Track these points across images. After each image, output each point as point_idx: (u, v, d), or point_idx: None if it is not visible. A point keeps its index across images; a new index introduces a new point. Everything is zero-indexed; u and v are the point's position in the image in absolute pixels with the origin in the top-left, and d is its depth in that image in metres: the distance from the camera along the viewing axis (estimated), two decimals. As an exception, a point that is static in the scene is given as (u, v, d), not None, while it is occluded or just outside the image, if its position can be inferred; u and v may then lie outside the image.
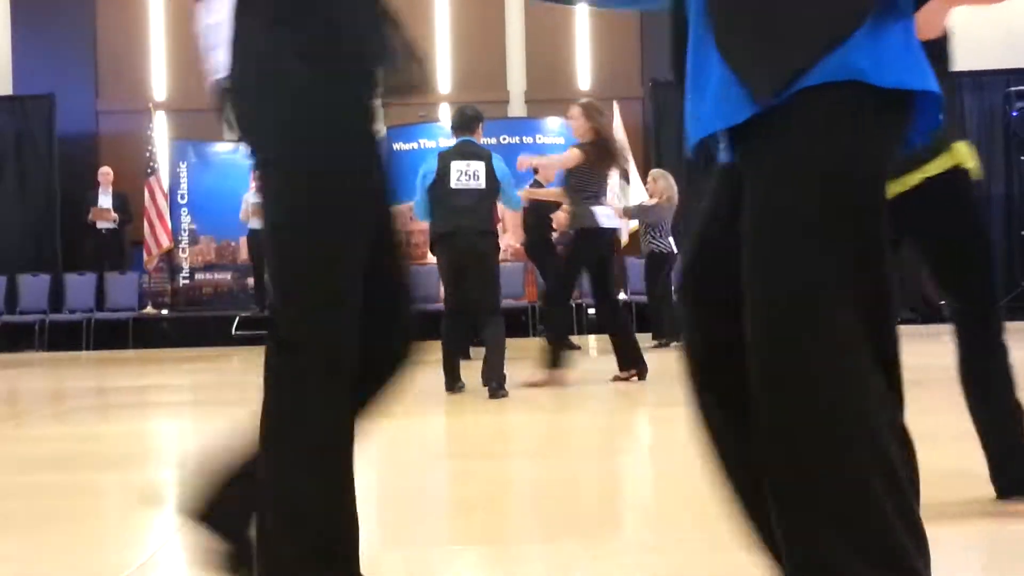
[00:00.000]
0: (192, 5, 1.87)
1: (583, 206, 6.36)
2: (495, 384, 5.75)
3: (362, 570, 1.75)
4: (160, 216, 12.92)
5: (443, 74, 14.07)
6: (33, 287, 12.89)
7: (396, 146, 12.80)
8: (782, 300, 1.36)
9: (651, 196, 10.05)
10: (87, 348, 11.99)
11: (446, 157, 6.13)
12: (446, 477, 3.75)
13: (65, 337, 11.91)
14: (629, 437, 4.83)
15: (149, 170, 13.03)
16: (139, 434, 5.06)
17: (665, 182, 9.68)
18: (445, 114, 14.14)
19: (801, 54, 1.36)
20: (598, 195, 6.46)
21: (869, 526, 1.33)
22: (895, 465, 1.37)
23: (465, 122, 6.29)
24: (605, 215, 6.39)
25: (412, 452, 4.20)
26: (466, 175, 6.05)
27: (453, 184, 6.01)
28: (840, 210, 1.37)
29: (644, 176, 11.08)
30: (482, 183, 6.05)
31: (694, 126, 1.48)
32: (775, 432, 1.38)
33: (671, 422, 4.68)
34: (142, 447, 4.69)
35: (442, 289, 6.44)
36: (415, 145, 12.50)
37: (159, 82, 13.99)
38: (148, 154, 13.11)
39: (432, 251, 6.24)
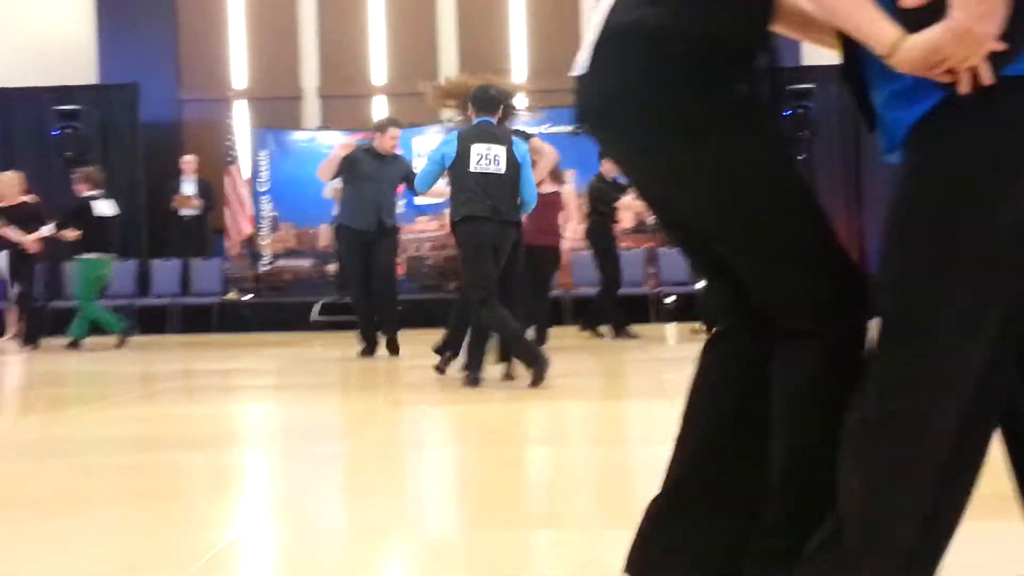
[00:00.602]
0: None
1: None
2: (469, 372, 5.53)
3: (448, 552, 1.75)
4: (241, 203, 13.14)
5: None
6: (121, 273, 13.20)
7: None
8: None
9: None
10: (173, 332, 12.24)
11: (466, 139, 5.81)
12: (519, 462, 3.77)
13: (152, 321, 12.16)
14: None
15: (230, 158, 13.25)
16: (224, 416, 5.16)
17: None
18: (521, 102, 14.15)
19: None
20: None
21: None
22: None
23: (487, 102, 5.96)
24: None
25: (476, 437, 4.23)
26: (486, 159, 5.75)
27: (472, 167, 5.71)
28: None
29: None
30: (502, 168, 5.74)
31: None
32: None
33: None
34: (227, 428, 4.79)
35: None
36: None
37: (239, 71, 14.21)
38: (229, 142, 13.35)
39: (453, 232, 5.94)
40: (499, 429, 4.40)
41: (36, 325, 10.50)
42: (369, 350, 7.76)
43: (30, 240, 10.08)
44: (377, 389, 5.91)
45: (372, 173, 7.82)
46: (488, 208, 5.61)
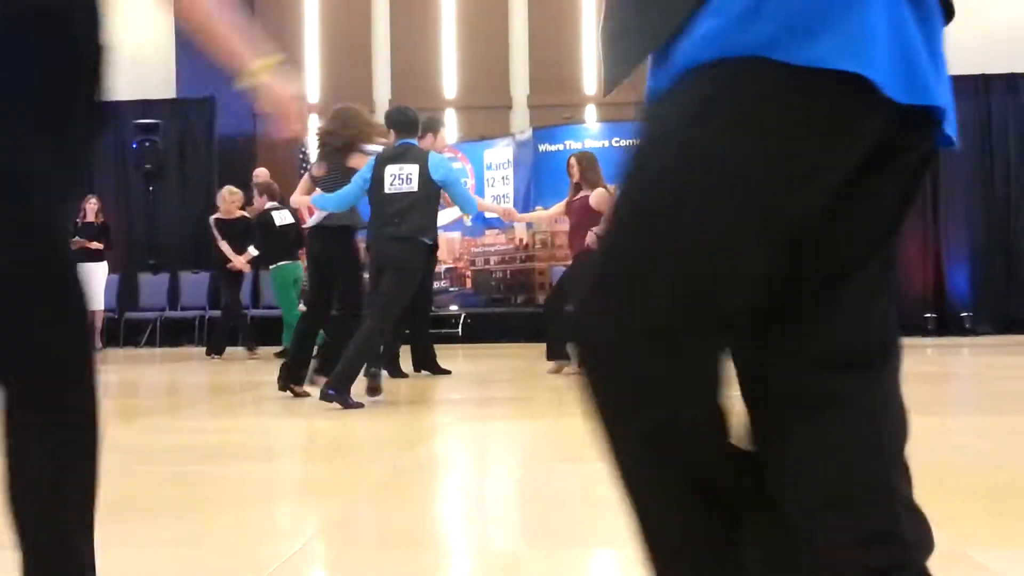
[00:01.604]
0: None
1: None
2: (329, 388, 5.57)
3: (510, 566, 1.72)
4: (312, 215, 13.27)
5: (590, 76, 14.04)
6: (193, 284, 13.43)
7: (542, 147, 12.85)
8: None
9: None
10: (242, 344, 12.40)
11: (383, 161, 6.00)
12: (572, 479, 3.72)
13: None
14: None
15: (302, 170, 13.40)
16: (289, 428, 5.18)
17: None
18: (591, 115, 14.13)
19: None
20: None
21: None
22: None
23: (406, 124, 6.12)
24: None
25: (523, 453, 4.19)
26: (399, 179, 5.90)
27: (387, 189, 5.89)
28: None
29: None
30: (414, 186, 5.86)
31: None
32: None
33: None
34: (291, 440, 4.81)
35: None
36: (561, 147, 12.50)
37: (312, 83, 14.39)
38: (302, 155, 13.50)
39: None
40: (569, 444, 4.36)
41: (221, 335, 11.17)
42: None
43: (241, 262, 10.82)
44: (438, 404, 5.90)
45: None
46: (385, 233, 5.83)
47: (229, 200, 10.97)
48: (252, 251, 10.83)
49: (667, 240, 1.15)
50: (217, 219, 10.84)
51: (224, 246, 10.74)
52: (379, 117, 14.30)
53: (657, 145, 1.18)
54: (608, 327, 1.16)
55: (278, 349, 10.65)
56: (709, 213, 1.14)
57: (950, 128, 1.23)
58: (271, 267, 10.28)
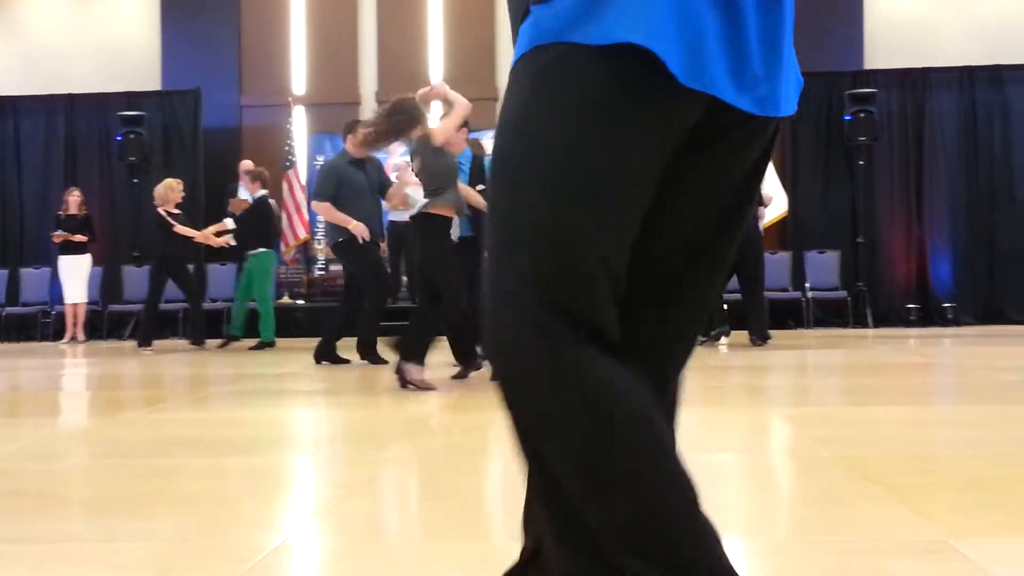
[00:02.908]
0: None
1: None
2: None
3: (500, 557, 1.71)
4: (298, 208, 13.24)
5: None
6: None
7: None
8: None
9: None
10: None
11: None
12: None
13: (207, 325, 12.30)
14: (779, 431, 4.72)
15: (288, 163, 13.37)
16: (274, 421, 5.17)
17: None
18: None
19: None
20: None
21: None
22: None
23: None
24: None
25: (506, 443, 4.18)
26: None
27: None
28: None
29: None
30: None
31: None
32: None
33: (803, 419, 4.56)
34: (276, 433, 4.80)
35: None
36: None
37: (299, 77, 14.33)
38: (287, 148, 13.47)
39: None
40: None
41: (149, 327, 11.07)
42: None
43: (210, 235, 10.95)
44: (421, 394, 5.89)
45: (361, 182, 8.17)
46: None
47: (177, 190, 11.00)
48: (229, 223, 10.79)
49: (519, 212, 1.26)
50: (166, 210, 10.79)
51: (186, 229, 10.74)
52: (365, 107, 14.30)
53: (505, 123, 1.30)
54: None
55: (251, 342, 10.61)
56: (540, 188, 1.24)
57: (788, 108, 1.31)
58: (258, 252, 10.27)
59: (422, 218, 6.18)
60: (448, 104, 6.58)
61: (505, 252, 1.26)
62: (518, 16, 1.32)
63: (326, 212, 8.08)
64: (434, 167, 6.15)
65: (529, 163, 1.25)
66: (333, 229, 8.20)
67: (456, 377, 6.53)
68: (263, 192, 10.42)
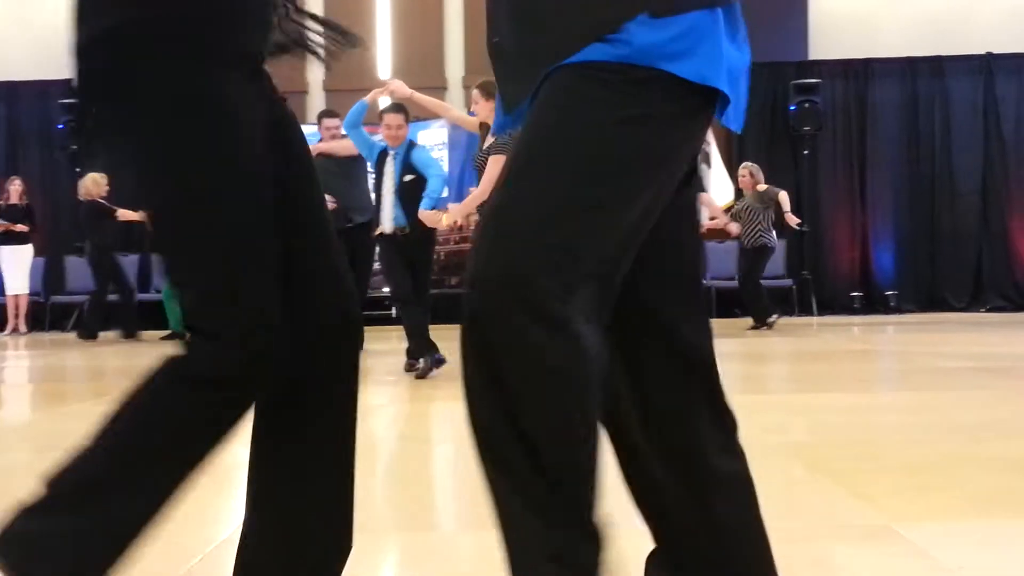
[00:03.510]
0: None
1: None
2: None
3: (445, 548, 1.72)
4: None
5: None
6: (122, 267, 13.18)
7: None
8: None
9: (747, 189, 10.46)
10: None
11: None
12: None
13: (153, 316, 12.16)
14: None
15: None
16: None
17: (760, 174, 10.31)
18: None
19: None
20: None
21: None
22: None
23: None
24: None
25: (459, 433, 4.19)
26: None
27: None
28: None
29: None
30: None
31: None
32: None
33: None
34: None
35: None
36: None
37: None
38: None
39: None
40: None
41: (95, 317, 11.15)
42: None
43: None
44: (385, 384, 5.88)
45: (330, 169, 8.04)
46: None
47: (102, 184, 11.06)
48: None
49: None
50: (101, 197, 10.87)
51: (128, 212, 10.78)
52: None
53: (568, 119, 1.40)
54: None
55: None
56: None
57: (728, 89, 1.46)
58: None
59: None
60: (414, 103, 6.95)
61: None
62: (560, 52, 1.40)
63: None
64: None
65: (608, 152, 1.37)
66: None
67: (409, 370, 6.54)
68: None
